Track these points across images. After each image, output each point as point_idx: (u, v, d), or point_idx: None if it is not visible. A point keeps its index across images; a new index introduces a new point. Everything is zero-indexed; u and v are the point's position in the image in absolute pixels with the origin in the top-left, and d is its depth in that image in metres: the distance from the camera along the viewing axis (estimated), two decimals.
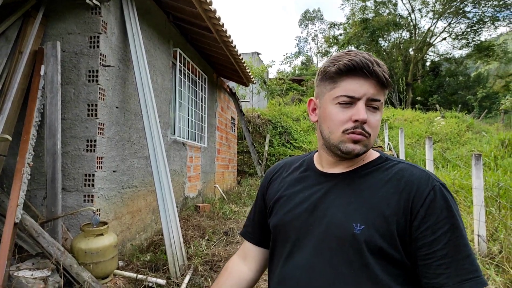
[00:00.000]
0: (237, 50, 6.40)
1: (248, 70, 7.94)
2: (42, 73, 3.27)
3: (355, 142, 0.89)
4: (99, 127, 3.42)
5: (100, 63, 3.45)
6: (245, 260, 1.16)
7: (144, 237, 4.47)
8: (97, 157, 3.41)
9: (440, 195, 0.82)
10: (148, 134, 3.72)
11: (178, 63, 5.43)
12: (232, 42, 5.90)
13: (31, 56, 3.25)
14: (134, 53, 3.81)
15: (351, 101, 0.88)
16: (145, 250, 4.17)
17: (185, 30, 5.74)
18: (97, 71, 3.42)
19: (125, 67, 3.94)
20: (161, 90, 4.93)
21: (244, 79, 8.46)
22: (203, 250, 4.17)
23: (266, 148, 12.41)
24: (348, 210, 0.88)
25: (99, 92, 3.43)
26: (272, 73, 32.52)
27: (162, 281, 3.24)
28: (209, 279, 3.44)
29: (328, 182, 0.97)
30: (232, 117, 10.12)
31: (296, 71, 36.40)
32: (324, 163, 1.02)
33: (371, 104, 0.89)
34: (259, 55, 22.30)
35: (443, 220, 0.80)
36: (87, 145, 3.40)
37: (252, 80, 8.90)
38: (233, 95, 9.17)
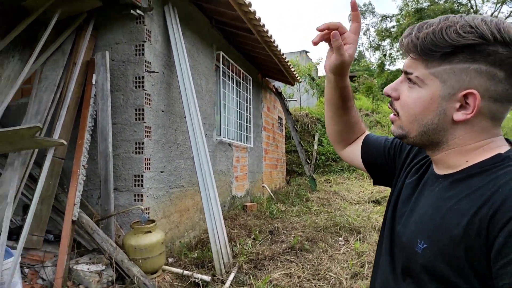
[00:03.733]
0: (280, 50, 6.40)
1: (292, 69, 7.90)
2: (93, 81, 3.52)
3: (392, 122, 0.81)
4: (146, 130, 3.62)
5: (145, 69, 3.64)
6: None
7: (193, 235, 4.63)
8: (145, 158, 3.60)
9: None
10: (191, 135, 3.86)
11: (221, 66, 5.56)
12: (274, 42, 5.92)
13: (83, 66, 3.52)
14: (177, 59, 3.97)
15: None
16: (193, 247, 4.32)
17: (228, 33, 5.86)
18: (142, 77, 3.62)
19: (170, 72, 4.12)
20: (205, 93, 5.08)
21: (289, 78, 8.44)
22: (248, 249, 4.23)
23: (315, 147, 12.25)
24: (420, 221, 0.74)
25: (145, 97, 3.62)
26: (322, 71, 31.99)
27: (207, 278, 3.33)
28: (251, 277, 3.48)
29: (424, 184, 0.83)
30: (279, 117, 10.13)
31: None
32: None
33: (408, 78, 0.75)
34: (307, 53, 22.08)
35: None
36: (136, 148, 3.61)
37: (298, 79, 8.84)
38: (279, 94, 9.18)
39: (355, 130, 1.14)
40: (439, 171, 0.78)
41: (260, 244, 4.48)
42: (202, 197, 3.75)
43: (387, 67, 28.47)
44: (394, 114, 0.79)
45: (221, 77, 5.61)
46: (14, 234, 3.13)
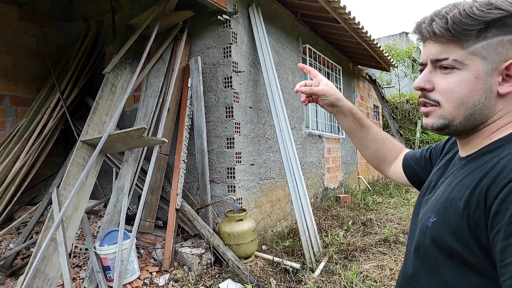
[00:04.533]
0: (370, 35, 6.15)
1: (386, 54, 7.50)
2: (189, 85, 3.92)
3: (426, 115, 0.79)
4: (235, 126, 3.89)
5: (233, 70, 3.90)
6: None
7: (285, 225, 4.81)
8: (236, 152, 3.88)
9: None
10: (277, 129, 4.01)
11: (308, 59, 5.60)
12: (362, 28, 5.72)
13: (180, 72, 3.94)
14: (262, 57, 4.15)
15: (423, 69, 0.79)
16: (285, 236, 4.50)
17: (314, 25, 5.86)
18: (230, 77, 3.89)
19: (256, 70, 4.33)
20: (292, 87, 5.18)
21: (383, 64, 8.03)
22: (339, 239, 4.23)
23: (418, 135, 11.40)
24: (435, 199, 0.78)
25: (234, 96, 3.89)
26: None
27: (296, 265, 3.47)
28: (341, 267, 3.50)
29: (449, 169, 0.84)
30: (374, 105, 9.71)
31: None
32: None
33: (441, 65, 0.74)
34: (408, 35, 20.50)
35: None
36: (227, 143, 3.91)
37: (393, 63, 8.35)
38: (373, 82, 8.80)
39: (387, 146, 1.17)
40: (463, 153, 0.79)
41: (352, 236, 4.45)
42: (290, 188, 3.89)
43: None
44: (431, 105, 0.77)
45: None
46: (131, 220, 3.69)
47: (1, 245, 3.75)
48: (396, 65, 9.46)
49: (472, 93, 0.71)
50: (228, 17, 3.91)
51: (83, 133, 3.46)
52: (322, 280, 3.32)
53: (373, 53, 6.98)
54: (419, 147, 11.33)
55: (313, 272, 3.50)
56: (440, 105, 0.75)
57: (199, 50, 4.12)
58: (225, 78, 3.93)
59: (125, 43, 3.96)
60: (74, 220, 3.15)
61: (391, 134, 11.16)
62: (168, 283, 3.16)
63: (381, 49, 7.04)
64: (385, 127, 11.27)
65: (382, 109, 10.07)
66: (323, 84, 1.12)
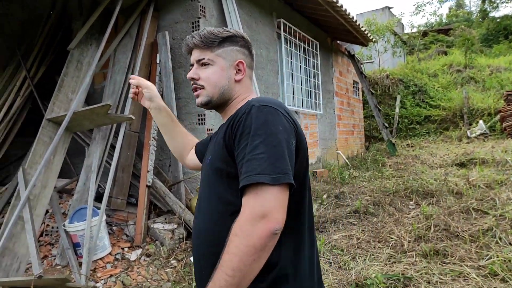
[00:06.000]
0: (345, 9, 6.10)
1: (363, 29, 7.47)
2: (158, 60, 3.85)
3: (197, 96, 1.17)
4: None
5: None
6: None
7: None
8: (207, 129, 3.88)
9: (248, 115, 0.94)
10: None
11: (283, 33, 5.54)
12: (337, 2, 5.67)
13: (148, 47, 3.86)
14: None
15: (192, 67, 1.18)
16: None
17: None
18: None
19: None
20: (266, 63, 5.15)
21: (360, 39, 8.00)
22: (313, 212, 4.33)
23: (397, 110, 11.53)
24: (209, 148, 1.16)
25: None
26: (407, 25, 29.08)
27: None
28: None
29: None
30: (354, 81, 9.73)
31: (443, 20, 32.02)
32: None
33: (201, 63, 1.13)
34: (391, 9, 20.39)
35: (246, 135, 0.91)
36: (198, 119, 3.90)
37: (371, 38, 8.33)
38: (351, 57, 8.78)
39: (188, 139, 1.48)
40: (222, 120, 1.18)
41: (325, 208, 4.55)
42: None
43: (491, 14, 24.80)
44: (200, 89, 1.14)
45: (284, 45, 5.60)
46: (103, 198, 3.69)
47: None
48: (374, 40, 9.44)
49: (221, 79, 1.12)
50: None
51: (48, 111, 3.40)
52: None
53: (350, 27, 6.94)
54: (398, 122, 11.50)
55: None
56: (204, 88, 1.14)
57: (167, 24, 4.04)
58: None
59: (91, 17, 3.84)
60: (42, 198, 3.13)
61: (369, 110, 11.27)
62: (140, 258, 3.20)
63: (357, 23, 7.01)
64: (365, 103, 11.34)
65: (361, 85, 10.11)
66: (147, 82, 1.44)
